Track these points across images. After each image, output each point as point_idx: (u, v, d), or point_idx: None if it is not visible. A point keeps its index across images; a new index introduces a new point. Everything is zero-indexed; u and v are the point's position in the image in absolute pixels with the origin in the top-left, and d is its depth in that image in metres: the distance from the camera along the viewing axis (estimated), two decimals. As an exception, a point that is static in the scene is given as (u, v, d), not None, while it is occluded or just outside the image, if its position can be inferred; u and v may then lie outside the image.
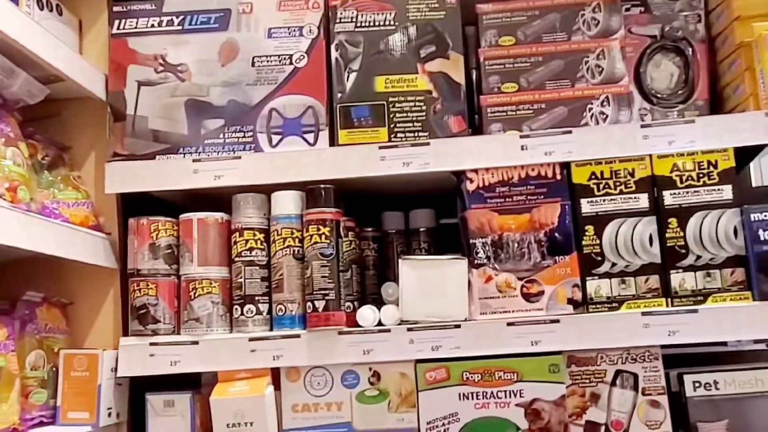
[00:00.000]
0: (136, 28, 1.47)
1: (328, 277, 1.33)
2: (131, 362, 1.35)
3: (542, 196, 1.37)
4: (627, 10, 1.51)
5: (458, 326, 1.32)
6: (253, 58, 1.45)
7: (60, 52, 1.33)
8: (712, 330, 1.29)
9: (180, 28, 1.47)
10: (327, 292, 1.33)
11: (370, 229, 1.59)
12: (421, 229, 1.58)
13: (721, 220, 1.33)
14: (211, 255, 1.39)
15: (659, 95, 1.49)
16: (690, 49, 1.50)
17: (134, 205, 1.46)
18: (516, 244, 1.35)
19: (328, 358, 1.33)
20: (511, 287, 1.34)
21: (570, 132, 1.37)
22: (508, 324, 1.32)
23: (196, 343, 1.34)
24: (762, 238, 1.30)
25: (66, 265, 1.37)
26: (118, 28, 1.47)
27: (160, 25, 1.47)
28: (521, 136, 1.38)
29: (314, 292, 1.33)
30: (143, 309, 1.36)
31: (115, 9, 1.48)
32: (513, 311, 1.33)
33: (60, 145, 1.45)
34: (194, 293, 1.36)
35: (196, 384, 1.43)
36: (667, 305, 1.32)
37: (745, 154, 1.45)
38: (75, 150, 1.49)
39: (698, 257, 1.33)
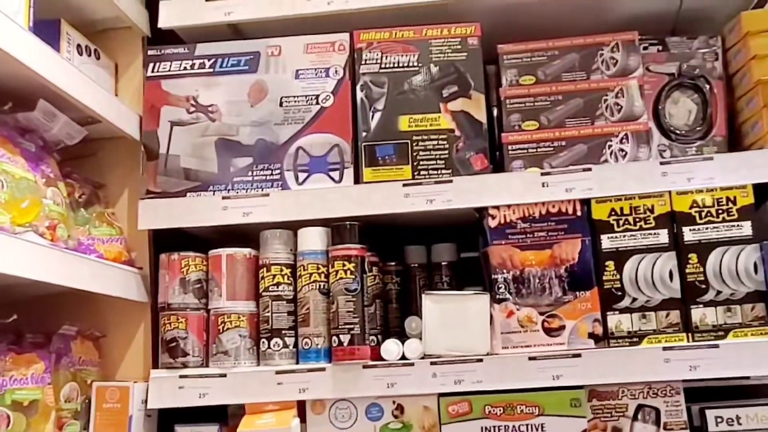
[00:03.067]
0: (169, 70, 1.53)
1: (353, 312, 1.37)
2: (161, 394, 1.38)
3: (563, 232, 1.39)
4: (645, 48, 1.54)
5: (480, 360, 1.34)
6: (281, 99, 1.50)
7: (97, 95, 1.39)
8: (733, 365, 1.30)
9: (211, 70, 1.52)
10: (352, 326, 1.36)
11: (393, 263, 1.63)
12: (443, 263, 1.62)
13: (740, 255, 1.35)
14: (239, 289, 1.43)
15: (678, 132, 1.51)
16: (707, 87, 1.52)
17: (165, 240, 1.51)
18: (537, 280, 1.38)
19: (353, 391, 1.36)
20: (532, 322, 1.36)
21: (590, 169, 1.40)
22: (530, 358, 1.34)
23: (224, 375, 1.38)
24: (782, 274, 1.31)
25: (99, 299, 1.41)
26: (152, 71, 1.53)
27: (192, 67, 1.53)
28: (542, 173, 1.41)
29: (339, 327, 1.36)
30: (173, 342, 1.41)
31: (150, 53, 1.54)
32: (534, 345, 1.36)
33: (95, 183, 1.51)
34: (223, 327, 1.40)
35: (223, 416, 1.46)
36: (687, 340, 1.34)
37: (765, 190, 1.47)
38: (109, 187, 1.55)
39: (718, 292, 1.35)
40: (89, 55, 1.49)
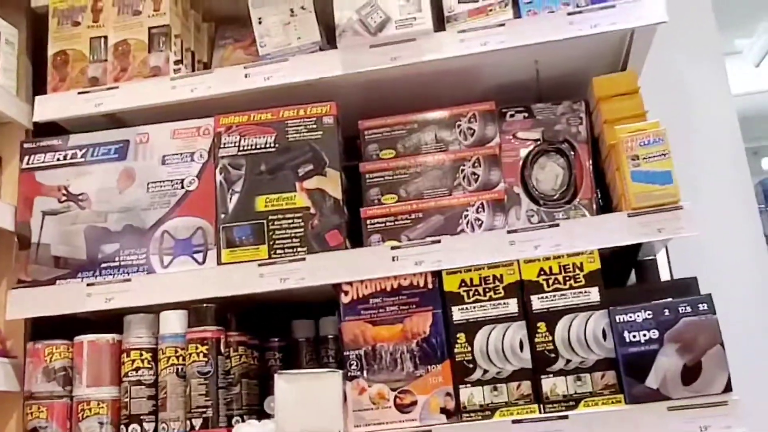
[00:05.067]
0: (43, 162, 1.58)
1: (205, 395, 1.37)
2: (21, 486, 1.39)
3: (414, 306, 1.39)
4: (512, 116, 1.57)
5: (331, 440, 1.33)
6: (148, 184, 1.54)
7: (-40, 191, 1.44)
8: (583, 437, 1.27)
9: (83, 160, 1.57)
10: (204, 410, 1.37)
11: (276, 339, 1.64)
12: (330, 337, 1.63)
13: (589, 322, 1.33)
14: (102, 376, 1.44)
15: (546, 196, 1.52)
16: (572, 151, 1.53)
17: (53, 326, 1.53)
18: (389, 355, 1.37)
19: (207, 477, 1.35)
20: (384, 398, 1.35)
21: (439, 241, 1.41)
22: (381, 437, 1.32)
23: (81, 465, 1.38)
24: (628, 340, 1.29)
25: (-30, 390, 1.43)
26: (27, 164, 1.59)
27: (65, 158, 1.58)
28: (392, 248, 1.42)
29: (192, 410, 1.37)
30: (34, 432, 1.42)
31: (26, 146, 1.60)
32: (387, 423, 1.34)
33: (-30, 276, 1.55)
34: (83, 414, 1.41)
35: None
36: (539, 412, 1.31)
37: (630, 252, 1.47)
38: (-11, 279, 1.59)
39: (568, 361, 1.33)
40: (-35, 152, 1.55)
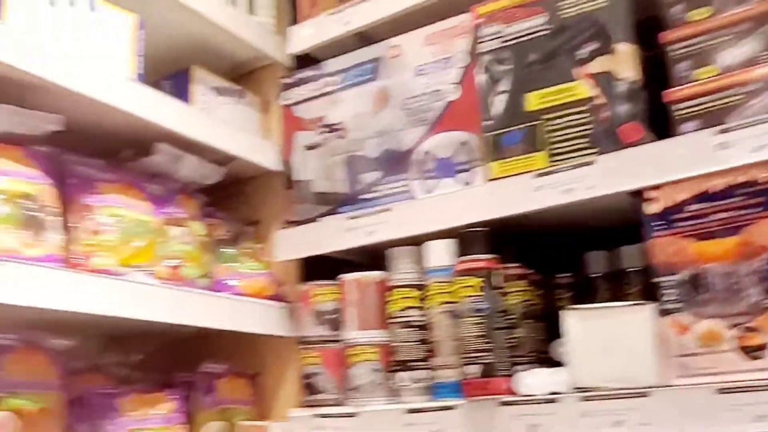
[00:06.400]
0: (300, 95, 1.48)
1: (483, 337, 1.12)
2: (297, 434, 1.29)
3: (758, 208, 0.98)
4: None
5: (645, 395, 0.99)
6: (404, 101, 1.34)
7: (222, 133, 1.38)
8: None
9: (337, 87, 1.43)
10: (482, 355, 1.12)
11: (567, 275, 1.35)
12: (631, 270, 1.28)
13: None
14: (370, 318, 1.29)
15: None
16: None
17: (322, 268, 1.43)
18: (723, 279, 0.98)
19: (488, 435, 1.11)
20: (718, 339, 0.97)
21: (787, 115, 0.97)
22: (720, 391, 0.95)
23: (353, 415, 1.23)
24: None
25: (251, 336, 1.38)
26: (286, 99, 1.50)
27: (319, 87, 1.46)
28: (717, 133, 1.02)
29: (467, 355, 1.13)
30: (308, 378, 1.32)
31: (285, 81, 1.51)
32: (725, 373, 0.96)
33: (246, 221, 1.51)
34: (352, 360, 1.27)
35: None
36: None
37: None
38: (264, 223, 1.53)
39: None
40: (231, 96, 1.51)
